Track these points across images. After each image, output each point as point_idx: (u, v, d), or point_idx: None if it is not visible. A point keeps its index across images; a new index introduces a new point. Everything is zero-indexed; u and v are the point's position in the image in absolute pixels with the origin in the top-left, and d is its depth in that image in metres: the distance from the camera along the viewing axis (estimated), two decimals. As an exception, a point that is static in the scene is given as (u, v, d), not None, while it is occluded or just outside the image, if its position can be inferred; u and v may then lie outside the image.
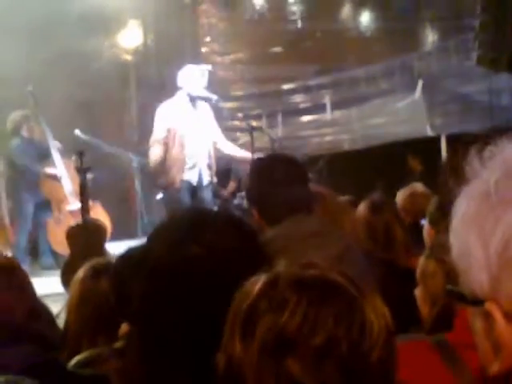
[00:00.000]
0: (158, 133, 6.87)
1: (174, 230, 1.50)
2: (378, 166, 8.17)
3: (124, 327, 2.11)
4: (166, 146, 6.86)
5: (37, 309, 2.43)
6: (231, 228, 1.49)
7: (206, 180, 7.09)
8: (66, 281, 4.61)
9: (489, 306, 0.91)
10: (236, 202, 8.98)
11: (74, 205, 7.94)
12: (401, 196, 4.71)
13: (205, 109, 7.08)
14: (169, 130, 6.83)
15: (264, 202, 2.69)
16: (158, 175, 7.02)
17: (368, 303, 1.14)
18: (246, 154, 7.17)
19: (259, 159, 2.86)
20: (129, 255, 2.27)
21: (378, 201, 3.69)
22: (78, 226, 5.46)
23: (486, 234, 0.91)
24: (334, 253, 2.35)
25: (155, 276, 1.45)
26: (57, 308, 3.43)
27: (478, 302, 0.93)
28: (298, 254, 2.12)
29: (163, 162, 6.89)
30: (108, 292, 2.34)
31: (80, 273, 2.70)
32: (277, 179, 2.66)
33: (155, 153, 6.89)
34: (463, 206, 0.96)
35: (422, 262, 2.47)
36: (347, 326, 1.12)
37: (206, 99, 7.03)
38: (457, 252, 0.96)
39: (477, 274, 0.92)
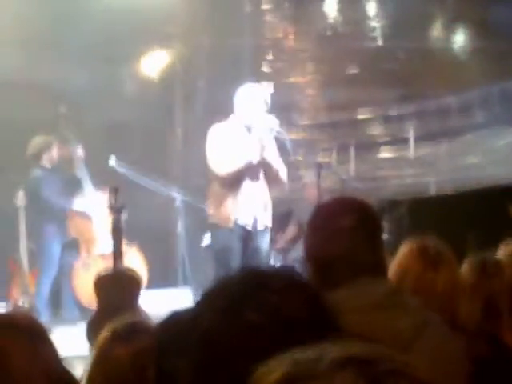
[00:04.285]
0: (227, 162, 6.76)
1: (228, 293, 1.50)
2: (471, 214, 8.01)
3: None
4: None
5: (62, 378, 2.36)
6: (295, 292, 1.49)
7: (261, 225, 6.97)
8: (91, 340, 4.62)
9: None
10: (295, 253, 8.81)
11: (106, 247, 7.98)
12: (504, 252, 4.53)
13: (264, 138, 6.94)
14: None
15: (321, 257, 2.57)
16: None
17: None
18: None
19: (321, 204, 2.84)
20: (172, 324, 2.24)
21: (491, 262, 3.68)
22: (107, 275, 5.67)
23: None
24: (403, 332, 2.29)
25: (206, 350, 1.45)
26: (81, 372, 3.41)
27: None
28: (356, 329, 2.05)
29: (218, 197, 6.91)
30: (123, 361, 2.42)
31: (101, 335, 2.64)
32: (340, 230, 2.54)
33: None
34: None
35: None
36: None
37: (265, 128, 6.90)
38: None
39: None
